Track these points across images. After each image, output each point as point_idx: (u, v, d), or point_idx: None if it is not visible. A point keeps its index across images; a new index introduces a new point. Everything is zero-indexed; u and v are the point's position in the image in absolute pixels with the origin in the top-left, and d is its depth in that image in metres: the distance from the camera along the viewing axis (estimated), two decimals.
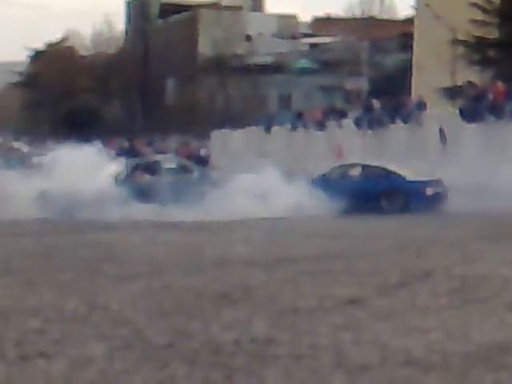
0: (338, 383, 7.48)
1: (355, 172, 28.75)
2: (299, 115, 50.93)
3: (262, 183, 26.76)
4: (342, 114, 47.80)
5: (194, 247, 17.94)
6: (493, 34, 48.52)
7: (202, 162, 31.62)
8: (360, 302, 11.39)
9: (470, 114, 37.48)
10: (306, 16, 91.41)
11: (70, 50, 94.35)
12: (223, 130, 57.50)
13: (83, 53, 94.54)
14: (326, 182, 27.28)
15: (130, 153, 29.43)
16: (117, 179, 26.43)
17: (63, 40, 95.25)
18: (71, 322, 10.16)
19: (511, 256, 15.80)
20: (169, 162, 28.83)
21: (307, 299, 11.54)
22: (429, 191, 26.99)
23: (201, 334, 9.46)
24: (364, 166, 28.81)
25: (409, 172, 28.29)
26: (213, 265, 15.08)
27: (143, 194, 25.30)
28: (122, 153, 29.71)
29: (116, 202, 24.89)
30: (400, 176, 27.64)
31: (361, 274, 13.91)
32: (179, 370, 7.92)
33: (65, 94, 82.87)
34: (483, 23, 48.88)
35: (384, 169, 28.12)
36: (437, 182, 27.93)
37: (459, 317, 10.39)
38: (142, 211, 24.23)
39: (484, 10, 49.05)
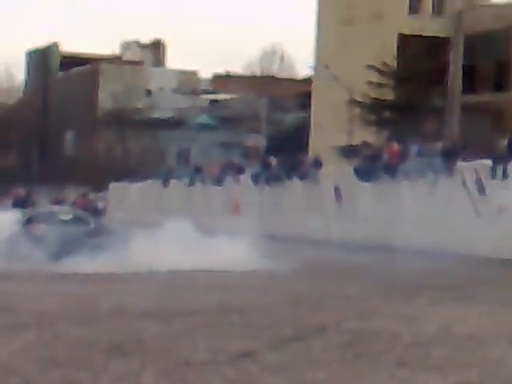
0: None
1: None
2: (197, 170, 51.09)
3: (160, 236, 26.77)
4: (240, 170, 48.01)
5: (87, 298, 17.75)
6: (388, 95, 49.43)
7: (99, 213, 31.41)
8: (252, 355, 11.38)
9: (364, 173, 37.91)
10: (206, 73, 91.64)
11: None
12: (121, 183, 57.41)
13: None
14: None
15: (25, 203, 29.01)
16: (11, 229, 26.12)
17: None
18: None
19: (403, 312, 15.98)
20: (65, 213, 28.56)
21: (200, 352, 11.50)
22: None
23: None
24: None
25: None
26: (106, 316, 14.96)
27: (38, 245, 25.03)
28: (17, 203, 29.27)
29: (11, 251, 24.62)
30: None
31: (255, 326, 13.92)
32: None
33: None
34: (379, 85, 49.81)
35: None
36: None
37: (350, 371, 10.44)
38: (37, 262, 23.95)
39: (380, 72, 50.00)
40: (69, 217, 27.94)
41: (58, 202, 36.06)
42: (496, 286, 21.43)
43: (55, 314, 15.17)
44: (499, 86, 49.05)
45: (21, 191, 30.70)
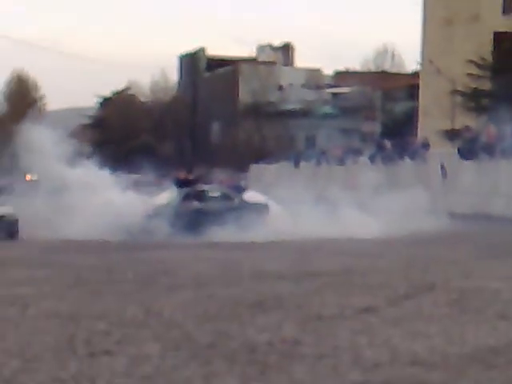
0: (354, 379, 7.47)
1: None
2: (323, 153, 51.04)
3: (291, 209, 26.86)
4: (359, 152, 47.85)
5: (233, 263, 17.90)
6: (486, 86, 48.58)
7: (242, 191, 31.51)
8: (373, 310, 11.34)
9: (466, 153, 37.41)
10: (328, 70, 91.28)
11: (132, 98, 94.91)
12: (259, 165, 57.62)
13: (143, 100, 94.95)
14: None
15: (183, 183, 29.45)
16: (170, 205, 26.52)
17: (126, 89, 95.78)
18: (131, 325, 10.17)
19: (502, 272, 15.72)
20: (213, 191, 28.91)
21: (329, 308, 11.48)
22: None
23: (239, 335, 9.45)
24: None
25: None
26: (249, 278, 15.06)
27: (192, 218, 25.36)
28: (179, 183, 29.73)
29: (169, 224, 24.99)
30: None
31: (374, 286, 13.87)
32: (221, 366, 7.93)
33: (127, 135, 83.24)
34: (478, 77, 49.00)
35: None
36: None
37: (457, 324, 10.33)
38: (189, 232, 24.27)
39: (478, 66, 49.19)
40: (217, 194, 28.25)
41: (208, 182, 36.38)
42: None
43: (207, 276, 15.35)
44: None
45: (182, 174, 31.16)
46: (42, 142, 27.11)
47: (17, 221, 24.62)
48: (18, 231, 24.83)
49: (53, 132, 29.85)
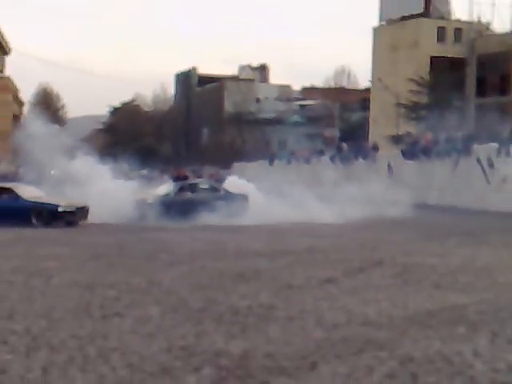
0: (317, 337, 7.50)
1: None
2: (292, 154, 51.02)
3: (268, 199, 26.84)
4: (321, 153, 47.87)
5: (219, 242, 17.85)
6: (423, 99, 48.79)
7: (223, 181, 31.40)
8: (333, 281, 11.37)
9: (408, 154, 37.59)
10: (297, 86, 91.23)
11: (137, 107, 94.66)
12: (241, 163, 57.52)
13: (146, 109, 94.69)
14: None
15: (179, 178, 29.38)
16: (169, 195, 26.45)
17: (132, 100, 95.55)
18: (136, 292, 10.16)
19: (437, 251, 15.79)
20: (203, 183, 28.86)
21: (297, 279, 11.49)
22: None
23: (224, 301, 9.47)
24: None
25: None
26: (232, 254, 15.03)
27: (186, 206, 25.27)
28: (176, 178, 29.66)
29: (167, 210, 24.90)
30: None
31: (334, 261, 13.90)
32: (209, 326, 7.95)
33: (133, 138, 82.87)
34: (417, 92, 49.25)
35: None
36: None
37: (400, 292, 10.38)
38: (185, 217, 24.18)
39: (418, 84, 49.46)
40: (206, 186, 28.15)
41: (199, 176, 36.33)
42: (501, 232, 21.06)
43: (198, 253, 15.29)
44: (503, 92, 48.15)
45: (179, 170, 31.05)
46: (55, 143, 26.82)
47: (88, 208, 23.97)
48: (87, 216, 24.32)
49: (67, 135, 29.77)
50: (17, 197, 22.78)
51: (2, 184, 24.54)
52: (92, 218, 23.63)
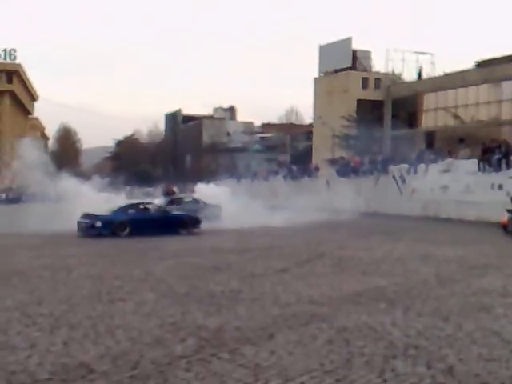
0: (274, 313, 7.48)
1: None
2: (254, 174, 51.00)
3: (236, 208, 26.61)
4: (277, 173, 47.92)
5: (199, 242, 17.77)
6: (352, 132, 48.98)
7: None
8: (286, 270, 11.38)
9: (341, 173, 37.76)
10: (257, 122, 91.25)
11: (136, 140, 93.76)
12: (215, 181, 57.21)
13: (142, 141, 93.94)
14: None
15: (168, 193, 29.10)
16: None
17: (132, 134, 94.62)
18: (135, 281, 10.07)
19: (364, 245, 15.86)
20: (187, 197, 28.54)
21: (258, 269, 11.49)
22: None
23: (203, 287, 9.42)
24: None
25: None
26: (209, 251, 14.94)
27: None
28: (166, 194, 29.37)
29: None
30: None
31: (287, 255, 13.91)
32: (192, 306, 7.91)
33: (133, 164, 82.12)
34: (347, 126, 49.48)
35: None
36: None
37: (337, 278, 10.42)
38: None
39: (348, 120, 49.69)
40: (189, 199, 27.88)
41: (183, 191, 36.06)
42: (412, 231, 21.24)
43: (182, 251, 15.22)
44: (411, 126, 48.51)
45: (168, 187, 30.68)
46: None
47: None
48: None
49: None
50: (165, 211, 22.07)
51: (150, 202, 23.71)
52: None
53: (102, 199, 24.26)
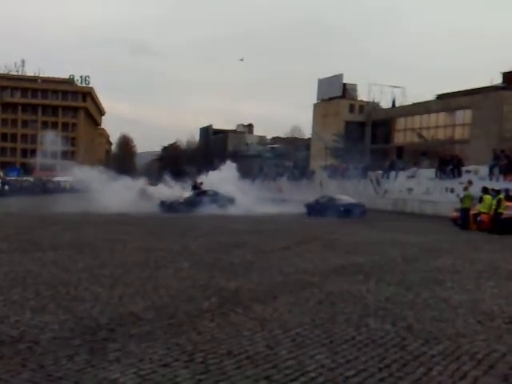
0: (278, 280, 7.45)
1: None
2: (266, 175, 50.87)
3: (247, 199, 26.32)
4: (282, 175, 47.79)
5: (222, 224, 17.72)
6: (341, 145, 48.69)
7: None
8: (288, 248, 11.35)
9: (332, 176, 37.57)
10: (269, 136, 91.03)
11: (178, 146, 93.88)
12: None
13: (182, 148, 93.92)
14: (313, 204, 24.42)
15: (196, 187, 28.79)
16: (190, 197, 25.94)
17: (175, 142, 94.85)
18: (175, 253, 10.07)
19: (347, 231, 15.70)
20: (210, 191, 27.46)
21: (267, 247, 11.44)
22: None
23: (226, 259, 9.40)
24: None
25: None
26: (227, 232, 14.89)
27: (200, 203, 24.76)
28: (193, 187, 29.04)
29: (190, 205, 24.44)
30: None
31: (288, 236, 13.87)
32: (218, 273, 7.89)
33: (174, 165, 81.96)
34: (337, 141, 49.21)
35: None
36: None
37: (326, 255, 10.37)
38: (200, 210, 23.69)
39: (337, 136, 49.41)
40: (211, 192, 26.13)
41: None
42: (385, 222, 21.06)
43: (210, 231, 15.16)
44: (386, 142, 48.24)
45: (196, 182, 30.09)
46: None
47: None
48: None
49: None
50: (334, 200, 23.74)
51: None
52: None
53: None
